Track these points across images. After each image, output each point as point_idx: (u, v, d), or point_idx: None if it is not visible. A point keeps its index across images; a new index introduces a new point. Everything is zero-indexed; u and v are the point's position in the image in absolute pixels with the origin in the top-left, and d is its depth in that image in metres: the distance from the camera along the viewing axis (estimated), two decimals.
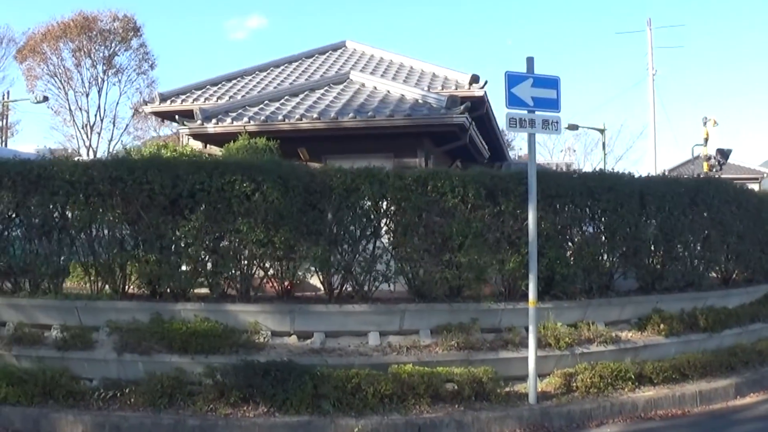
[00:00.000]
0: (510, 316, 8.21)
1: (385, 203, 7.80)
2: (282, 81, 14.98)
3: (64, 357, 7.75)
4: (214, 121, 11.68)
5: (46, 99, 26.43)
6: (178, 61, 65.17)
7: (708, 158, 16.94)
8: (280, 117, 11.40)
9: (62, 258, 8.24)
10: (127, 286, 8.18)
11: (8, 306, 8.28)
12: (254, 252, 7.61)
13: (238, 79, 15.46)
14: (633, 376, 8.04)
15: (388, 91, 11.98)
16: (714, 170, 16.21)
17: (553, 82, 7.75)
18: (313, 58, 16.27)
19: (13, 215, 8.17)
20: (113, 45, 30.57)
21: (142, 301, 8.13)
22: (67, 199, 7.81)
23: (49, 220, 8.01)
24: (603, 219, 8.42)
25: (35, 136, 62.70)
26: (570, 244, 8.34)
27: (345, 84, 12.68)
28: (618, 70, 74.09)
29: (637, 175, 8.98)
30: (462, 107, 10.61)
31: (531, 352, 7.61)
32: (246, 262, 7.76)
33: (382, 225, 7.92)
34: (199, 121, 11.73)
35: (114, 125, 31.61)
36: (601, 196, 8.26)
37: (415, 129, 10.98)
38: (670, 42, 66.48)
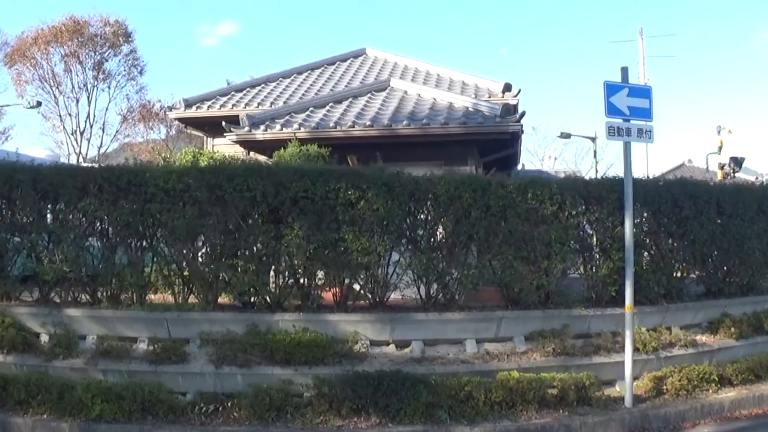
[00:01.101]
0: (598, 322, 8.36)
1: (484, 211, 7.82)
2: (310, 87, 14.88)
3: (157, 371, 7.50)
4: (262, 127, 11.47)
5: (39, 104, 25.40)
6: (152, 67, 63.78)
7: (722, 166, 17.72)
8: (331, 124, 11.29)
9: (149, 268, 7.95)
10: (218, 297, 7.94)
11: (89, 318, 7.96)
12: (359, 261, 7.50)
13: (263, 85, 15.26)
14: (716, 378, 8.32)
15: (434, 99, 12.03)
16: (728, 177, 16.97)
17: (646, 92, 7.98)
18: (335, 65, 16.20)
19: (98, 223, 7.84)
20: (103, 50, 29.67)
21: (236, 311, 7.92)
22: (161, 207, 7.55)
23: (139, 228, 7.71)
24: (684, 226, 8.67)
25: (25, 142, 60.34)
26: (656, 250, 8.54)
27: (387, 91, 12.65)
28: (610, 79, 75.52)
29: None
30: (518, 115, 10.77)
31: (627, 357, 7.77)
32: (348, 270, 7.63)
33: (482, 232, 7.92)
34: (246, 128, 11.50)
35: (104, 131, 30.70)
36: (683, 204, 8.52)
37: (468, 137, 11.04)
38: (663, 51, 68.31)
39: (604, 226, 8.17)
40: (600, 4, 77.02)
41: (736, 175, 18.17)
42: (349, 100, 12.32)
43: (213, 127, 14.73)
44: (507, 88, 13.34)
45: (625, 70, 7.94)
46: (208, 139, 14.96)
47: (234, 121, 13.98)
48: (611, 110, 7.72)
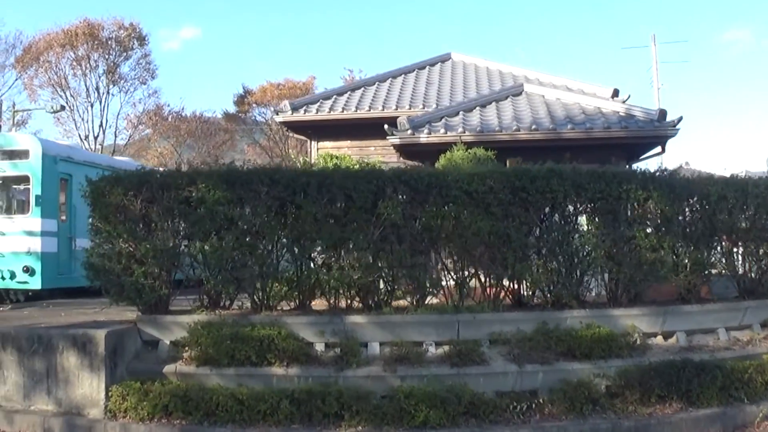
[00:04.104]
0: None
1: (742, 209, 8.44)
2: (415, 90, 15.06)
3: (460, 373, 7.53)
4: (425, 130, 11.55)
5: (62, 108, 23.62)
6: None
7: None
8: (495, 127, 11.56)
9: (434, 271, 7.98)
10: (505, 297, 8.09)
11: (373, 325, 7.83)
12: (647, 257, 7.90)
13: (364, 89, 15.28)
14: None
15: (579, 103, 12.54)
16: None
17: None
18: (426, 69, 16.42)
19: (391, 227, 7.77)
20: (115, 54, 28.11)
21: (520, 310, 8.09)
22: (462, 210, 7.61)
23: (436, 230, 7.71)
24: None
25: None
26: None
27: (524, 96, 13.05)
28: (621, 84, 78.90)
29: None
30: (676, 120, 11.48)
31: None
32: (640, 265, 8.00)
33: (739, 229, 8.53)
34: (408, 131, 11.54)
35: (116, 136, 28.94)
36: None
37: (626, 140, 11.65)
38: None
39: None
40: (612, 11, 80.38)
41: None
42: (493, 104, 12.63)
43: (317, 129, 14.64)
44: (615, 93, 14.06)
45: None
46: (312, 142, 14.76)
47: (338, 124, 14.03)
48: None
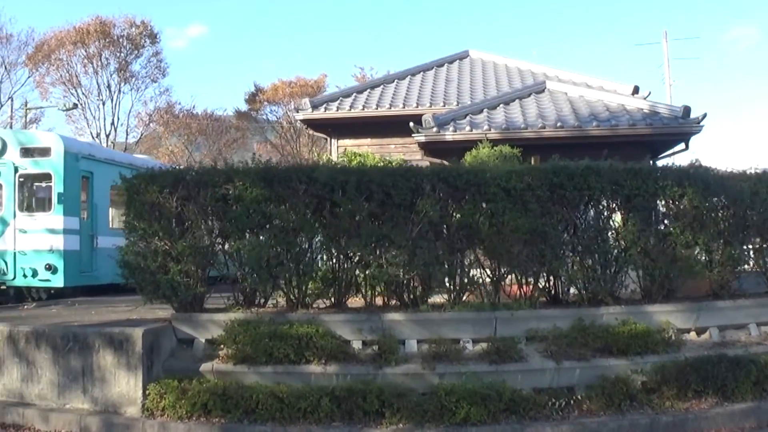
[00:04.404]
0: None
1: None
2: (434, 87, 15.04)
3: (498, 370, 7.55)
4: (450, 128, 11.57)
5: (75, 106, 23.62)
6: None
7: None
8: (521, 124, 11.57)
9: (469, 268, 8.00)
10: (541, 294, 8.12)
11: (411, 322, 7.83)
12: (681, 253, 7.92)
13: (383, 86, 15.28)
14: None
15: (602, 100, 12.56)
16: None
17: None
18: (445, 66, 16.43)
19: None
20: (126, 52, 28.19)
21: (555, 307, 8.11)
22: (501, 206, 7.62)
23: (474, 227, 7.73)
24: None
25: None
26: None
27: (546, 93, 13.07)
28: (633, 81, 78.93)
29: None
30: (700, 116, 11.49)
31: None
32: (674, 263, 8.02)
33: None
34: (434, 128, 11.55)
35: (127, 134, 29.04)
36: None
37: (651, 138, 11.66)
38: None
39: None
40: (623, 8, 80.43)
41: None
42: (517, 101, 12.65)
43: (337, 127, 14.65)
44: (636, 90, 14.08)
45: None
46: (333, 140, 14.77)
47: (358, 122, 14.04)
48: None
